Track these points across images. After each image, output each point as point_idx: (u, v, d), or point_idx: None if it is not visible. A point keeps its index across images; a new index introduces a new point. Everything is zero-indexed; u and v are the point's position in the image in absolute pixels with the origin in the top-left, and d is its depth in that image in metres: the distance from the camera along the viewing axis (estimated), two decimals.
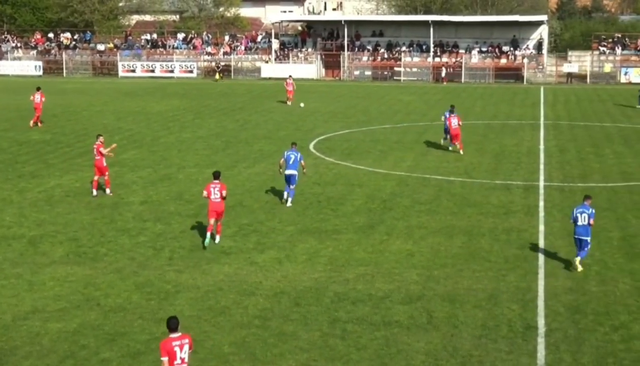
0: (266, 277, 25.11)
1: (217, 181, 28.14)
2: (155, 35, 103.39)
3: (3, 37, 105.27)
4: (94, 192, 35.18)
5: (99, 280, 24.93)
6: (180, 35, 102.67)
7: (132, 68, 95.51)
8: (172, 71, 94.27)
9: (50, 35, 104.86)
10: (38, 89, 55.85)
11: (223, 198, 27.97)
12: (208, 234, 27.82)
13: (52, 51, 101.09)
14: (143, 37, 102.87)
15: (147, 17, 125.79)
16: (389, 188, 36.59)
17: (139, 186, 37.26)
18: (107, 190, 35.48)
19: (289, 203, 33.45)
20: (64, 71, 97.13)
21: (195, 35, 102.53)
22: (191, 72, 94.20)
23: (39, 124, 54.99)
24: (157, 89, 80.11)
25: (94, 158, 35.74)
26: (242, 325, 21.46)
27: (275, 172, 38.06)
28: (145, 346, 20.14)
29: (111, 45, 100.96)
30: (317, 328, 21.21)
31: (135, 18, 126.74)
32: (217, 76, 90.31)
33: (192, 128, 54.49)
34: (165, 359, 16.11)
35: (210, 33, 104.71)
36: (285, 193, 33.83)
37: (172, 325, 16.30)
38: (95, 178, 35.47)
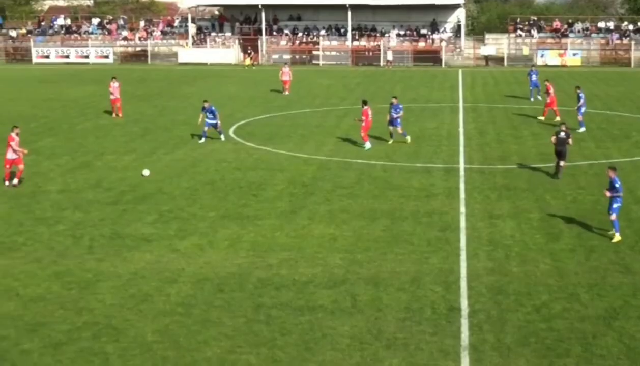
0: (188, 264, 24.89)
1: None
2: (69, 21, 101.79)
3: None
4: (7, 183, 34.40)
5: (17, 270, 24.46)
6: (95, 20, 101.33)
7: (46, 54, 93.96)
8: (87, 57, 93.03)
9: None
10: (113, 78, 54.10)
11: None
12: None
13: None
14: (57, 22, 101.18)
15: (61, 2, 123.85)
16: (311, 172, 36.56)
17: (56, 174, 36.65)
18: (15, 180, 34.49)
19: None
20: None
21: (111, 20, 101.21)
22: (107, 57, 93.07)
23: (119, 115, 53.29)
24: (72, 75, 78.92)
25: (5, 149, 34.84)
26: (165, 313, 21.23)
27: (195, 158, 37.80)
28: (67, 336, 19.81)
29: (24, 30, 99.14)
30: (241, 314, 21.08)
31: (48, 3, 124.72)
32: (247, 61, 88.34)
33: (110, 114, 53.74)
34: None
35: (126, 17, 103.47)
36: None
37: None
38: (7, 167, 34.59)
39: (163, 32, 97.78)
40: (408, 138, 42.89)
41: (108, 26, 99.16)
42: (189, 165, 37.92)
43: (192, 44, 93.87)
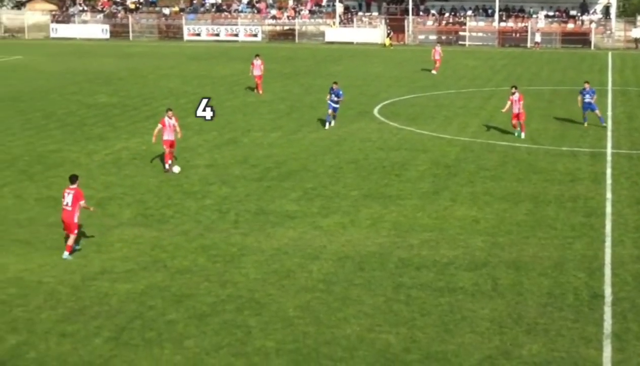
0: (330, 241, 25.20)
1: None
2: None
3: (71, 0, 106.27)
4: (166, 166, 33.66)
5: (165, 242, 25.24)
6: None
7: (197, 32, 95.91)
8: (236, 35, 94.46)
9: None
10: (257, 55, 55.28)
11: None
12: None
13: (119, 15, 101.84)
14: (208, 0, 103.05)
15: None
16: (454, 154, 36.42)
17: (204, 149, 37.54)
18: (166, 165, 33.61)
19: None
20: (130, 35, 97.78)
21: None
22: (256, 36, 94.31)
23: (260, 92, 54.62)
24: (222, 53, 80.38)
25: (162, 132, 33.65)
26: (307, 289, 21.59)
27: (339, 137, 38.13)
28: (211, 308, 20.36)
29: (176, 8, 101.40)
30: (381, 293, 21.26)
31: None
32: (386, 41, 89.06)
33: (254, 91, 54.59)
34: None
35: None
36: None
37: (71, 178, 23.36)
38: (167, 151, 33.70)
39: (311, 11, 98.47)
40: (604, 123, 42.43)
41: (257, 5, 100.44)
42: (333, 144, 38.27)
43: (339, 23, 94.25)
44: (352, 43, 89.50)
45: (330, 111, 42.60)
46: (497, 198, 29.75)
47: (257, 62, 53.91)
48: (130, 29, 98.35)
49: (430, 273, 22.61)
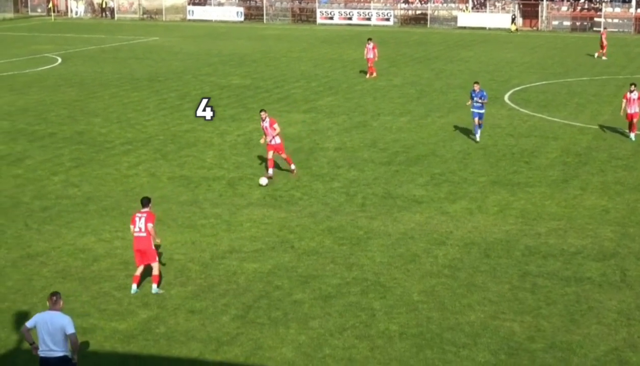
0: (457, 227, 25.18)
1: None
2: None
3: None
4: (270, 172, 30.42)
5: (293, 223, 25.62)
6: None
7: (330, 15, 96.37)
8: (369, 19, 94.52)
9: None
10: (369, 39, 55.63)
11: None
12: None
13: None
14: None
15: None
16: (585, 142, 35.83)
17: (333, 132, 37.84)
18: (292, 166, 30.98)
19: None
20: (264, 17, 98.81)
21: None
22: (388, 20, 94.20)
23: (373, 75, 55.08)
24: (354, 37, 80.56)
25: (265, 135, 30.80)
26: (432, 274, 21.65)
27: (468, 122, 37.87)
28: (337, 290, 20.63)
29: None
30: (506, 281, 21.18)
31: None
32: (512, 27, 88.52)
33: (388, 76, 54.71)
34: (132, 227, 20.42)
35: None
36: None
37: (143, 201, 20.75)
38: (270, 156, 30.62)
39: None
40: None
41: None
42: (462, 130, 38.08)
43: (472, 8, 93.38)
44: (484, 28, 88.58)
45: (475, 119, 35.85)
46: (629, 188, 29.18)
47: (370, 45, 54.14)
48: (265, 12, 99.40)
49: (557, 262, 22.38)
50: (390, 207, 27.21)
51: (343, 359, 17.33)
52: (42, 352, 14.74)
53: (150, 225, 20.18)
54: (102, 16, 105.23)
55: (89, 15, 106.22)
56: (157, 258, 20.74)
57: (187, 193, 28.69)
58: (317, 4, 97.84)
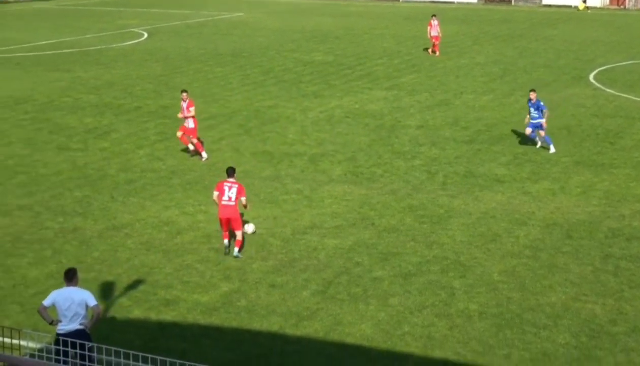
0: (539, 208, 25.00)
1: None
2: None
3: None
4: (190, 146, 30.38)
5: (374, 200, 25.69)
6: None
7: None
8: None
9: None
10: (433, 15, 56.19)
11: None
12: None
13: None
14: None
15: None
16: None
17: (415, 110, 37.76)
18: (203, 154, 30.05)
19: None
20: None
21: None
22: None
23: (436, 53, 55.09)
24: (437, 14, 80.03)
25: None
26: (513, 254, 21.56)
27: (552, 101, 37.44)
28: (417, 268, 20.67)
29: None
30: (588, 263, 20.99)
31: None
32: (580, 6, 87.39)
33: (470, 54, 54.33)
34: (216, 193, 21.43)
35: None
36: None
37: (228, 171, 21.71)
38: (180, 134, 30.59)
39: None
40: None
41: None
42: None
43: None
44: (569, 7, 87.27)
45: (528, 130, 31.25)
46: None
47: (435, 22, 53.78)
48: None
49: None
50: (471, 185, 27.12)
51: (422, 337, 17.40)
52: (62, 327, 14.75)
53: (243, 199, 21.36)
54: None
55: None
56: (242, 226, 21.62)
57: (270, 168, 28.94)
58: None
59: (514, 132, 33.68)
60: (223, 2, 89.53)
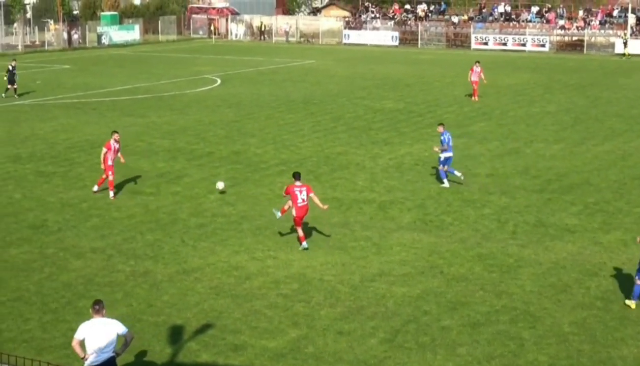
0: (610, 258, 24.69)
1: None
2: (509, 8, 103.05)
3: (363, 7, 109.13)
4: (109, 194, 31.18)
5: (443, 248, 25.61)
6: (534, 9, 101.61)
7: (484, 40, 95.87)
8: (524, 45, 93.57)
9: (407, 6, 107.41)
10: (477, 62, 57.24)
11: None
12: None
13: (408, 22, 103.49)
14: (497, 9, 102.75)
15: None
16: None
17: (486, 158, 37.65)
18: (111, 193, 31.12)
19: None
20: (419, 42, 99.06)
21: (549, 9, 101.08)
22: (543, 46, 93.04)
23: (476, 99, 55.54)
24: (508, 63, 79.95)
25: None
26: (584, 305, 21.30)
27: (624, 151, 37.05)
28: (485, 317, 20.52)
29: (465, 17, 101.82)
30: None
31: None
32: (625, 51, 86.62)
33: (541, 103, 54.08)
34: (287, 196, 25.29)
35: (564, 7, 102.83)
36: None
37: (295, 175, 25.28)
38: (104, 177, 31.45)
39: (601, 22, 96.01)
40: None
41: (547, 15, 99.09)
42: (618, 158, 37.33)
43: (631, 34, 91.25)
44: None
45: (440, 166, 32.81)
46: None
47: (477, 68, 54.12)
48: (419, 37, 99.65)
49: None
50: (541, 235, 26.91)
51: None
52: (94, 360, 14.94)
53: (312, 195, 25.28)
54: (260, 39, 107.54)
55: (247, 38, 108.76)
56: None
57: (339, 215, 29.03)
58: (471, 29, 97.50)
59: (586, 181, 33.39)
60: (295, 49, 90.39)
